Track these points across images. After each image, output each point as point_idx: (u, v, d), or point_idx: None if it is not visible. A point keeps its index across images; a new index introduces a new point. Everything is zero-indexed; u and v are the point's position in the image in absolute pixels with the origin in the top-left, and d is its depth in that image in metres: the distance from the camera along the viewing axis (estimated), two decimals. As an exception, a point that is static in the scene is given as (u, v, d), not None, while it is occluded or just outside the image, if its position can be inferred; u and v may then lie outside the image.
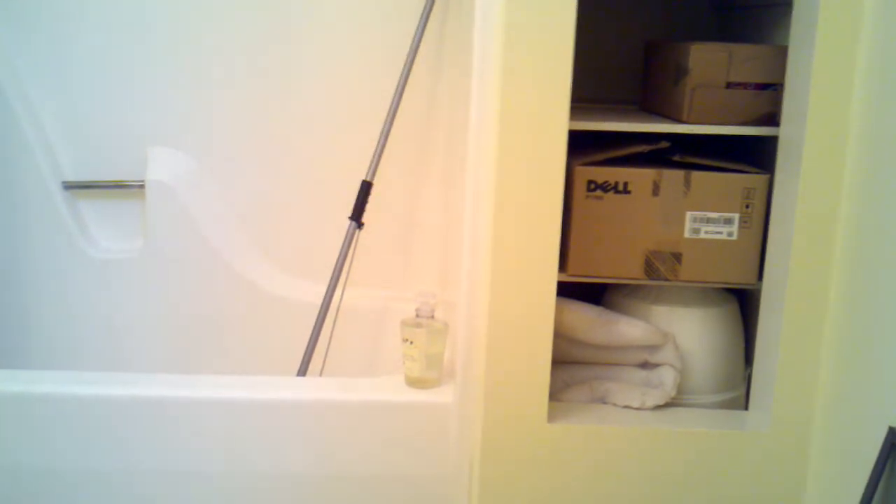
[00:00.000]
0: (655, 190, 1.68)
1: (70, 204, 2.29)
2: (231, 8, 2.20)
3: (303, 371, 2.07)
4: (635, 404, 1.68)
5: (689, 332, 1.73)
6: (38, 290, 2.29)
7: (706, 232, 1.69)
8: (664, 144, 1.72)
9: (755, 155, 1.81)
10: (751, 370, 1.73)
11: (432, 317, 1.77)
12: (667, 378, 1.68)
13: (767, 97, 1.68)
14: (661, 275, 1.70)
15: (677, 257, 1.70)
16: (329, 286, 2.09)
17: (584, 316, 1.70)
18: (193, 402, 1.70)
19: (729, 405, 1.75)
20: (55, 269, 2.28)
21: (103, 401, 1.69)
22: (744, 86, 1.68)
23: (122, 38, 2.22)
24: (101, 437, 1.69)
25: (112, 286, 2.29)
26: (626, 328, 1.69)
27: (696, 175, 1.68)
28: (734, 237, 1.69)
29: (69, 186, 2.28)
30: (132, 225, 2.32)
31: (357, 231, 2.10)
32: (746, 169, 1.69)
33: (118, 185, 2.29)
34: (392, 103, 2.12)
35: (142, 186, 2.26)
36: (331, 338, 2.10)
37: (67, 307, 2.30)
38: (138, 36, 2.21)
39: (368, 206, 2.12)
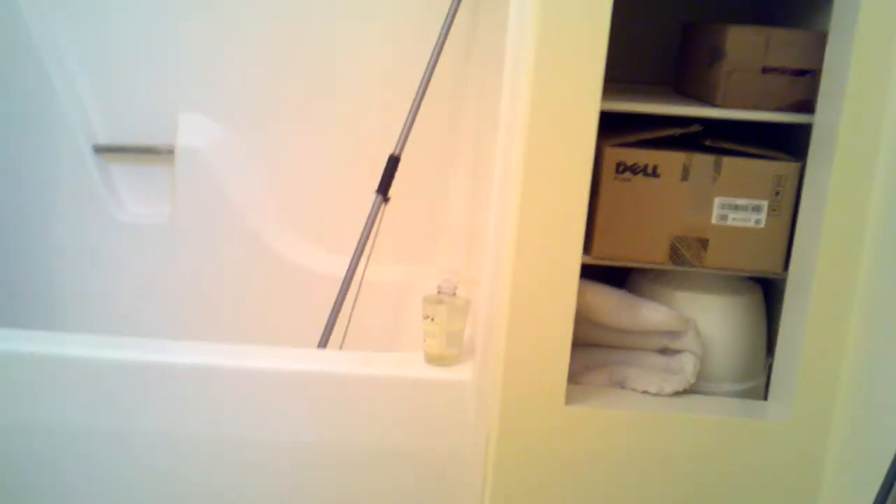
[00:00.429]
0: (685, 174, 1.66)
1: (100, 167, 2.30)
2: (266, -24, 2.20)
3: (323, 343, 2.08)
4: (653, 390, 1.67)
5: (712, 319, 1.72)
6: (66, 251, 2.31)
7: (734, 219, 1.66)
8: (696, 128, 1.69)
9: (788, 142, 1.78)
10: (772, 360, 1.71)
11: (454, 294, 1.76)
12: (687, 365, 1.67)
13: (804, 84, 1.64)
14: (686, 261, 1.69)
15: (703, 243, 1.68)
16: (352, 259, 2.09)
17: (607, 299, 1.69)
18: (212, 370, 1.71)
19: (748, 395, 1.73)
20: (83, 232, 2.30)
21: (124, 365, 1.70)
22: (780, 71, 1.65)
23: (157, 3, 2.22)
24: (121, 401, 1.71)
25: (139, 250, 2.31)
26: (649, 313, 1.67)
27: (727, 160, 1.65)
28: (762, 225, 1.66)
29: (100, 150, 2.29)
30: (161, 190, 2.34)
31: (383, 205, 2.10)
32: (778, 156, 1.66)
33: (148, 151, 2.31)
34: (423, 78, 2.10)
35: (171, 152, 2.28)
36: (352, 311, 2.10)
37: (94, 269, 2.32)
38: (174, 2, 2.22)
39: (397, 181, 2.11)
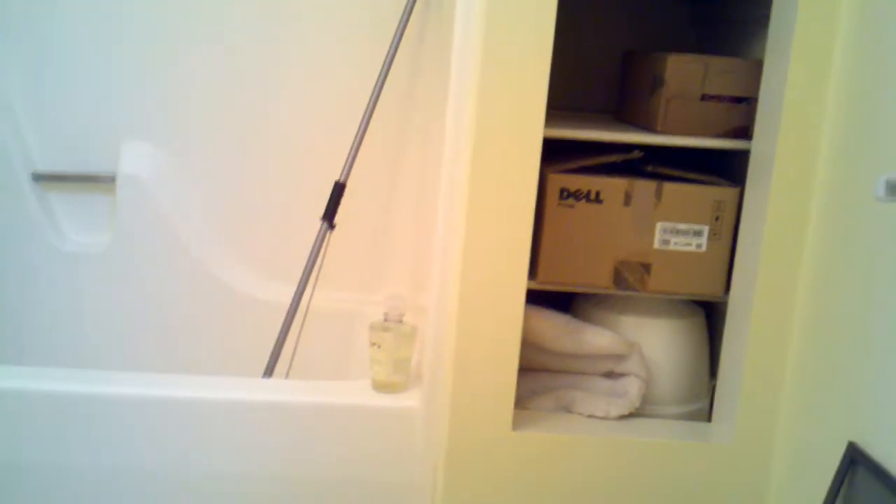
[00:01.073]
0: (627, 200, 1.68)
1: (39, 195, 2.26)
2: (210, 3, 2.19)
3: (269, 372, 2.05)
4: (600, 413, 1.68)
5: (656, 342, 1.74)
6: (5, 281, 2.26)
7: (676, 243, 1.69)
8: (637, 154, 1.72)
9: (727, 168, 1.82)
10: (715, 382, 1.73)
11: (401, 321, 1.76)
12: (632, 388, 1.68)
13: (741, 111, 1.68)
14: (629, 285, 1.71)
15: (646, 268, 1.70)
16: (298, 287, 2.08)
17: (552, 324, 1.70)
18: (156, 401, 1.68)
19: (693, 416, 1.76)
20: (22, 261, 2.25)
21: (66, 398, 1.67)
22: (718, 98, 1.69)
23: (97, 28, 2.20)
24: (65, 434, 1.67)
25: (80, 280, 2.27)
26: (593, 337, 1.69)
27: (668, 186, 1.68)
28: (703, 249, 1.69)
29: (39, 178, 2.25)
30: (102, 219, 2.30)
31: (329, 232, 2.09)
32: (717, 181, 1.70)
33: (89, 179, 2.27)
34: (368, 104, 2.11)
35: (113, 180, 2.24)
36: (298, 340, 2.08)
37: (34, 300, 2.27)
38: (114, 27, 2.20)
39: (342, 208, 2.10)
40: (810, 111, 1.52)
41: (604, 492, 1.65)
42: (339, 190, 2.10)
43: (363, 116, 2.11)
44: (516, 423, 1.63)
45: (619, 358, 1.71)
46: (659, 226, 1.68)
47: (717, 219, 1.68)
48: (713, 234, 1.69)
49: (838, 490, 1.35)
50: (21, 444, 1.67)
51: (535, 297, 1.72)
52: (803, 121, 1.52)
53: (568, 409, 1.71)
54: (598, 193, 1.68)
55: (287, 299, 2.10)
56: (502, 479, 1.64)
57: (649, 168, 1.71)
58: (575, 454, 1.63)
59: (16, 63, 2.21)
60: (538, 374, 1.75)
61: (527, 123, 1.53)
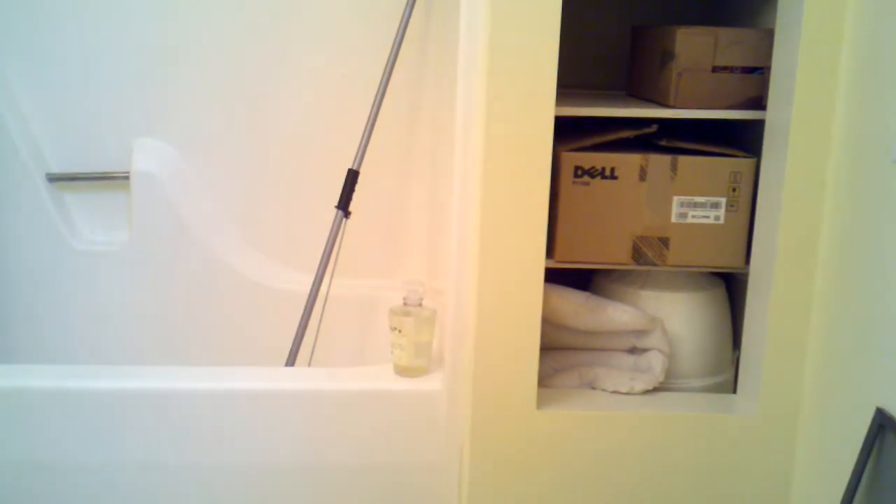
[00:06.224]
0: (642, 175, 1.68)
1: (54, 196, 2.27)
2: (216, -2, 2.19)
3: (291, 361, 2.06)
4: (624, 389, 1.68)
5: (677, 316, 1.73)
6: (23, 282, 2.27)
7: (693, 216, 1.69)
8: (652, 129, 1.71)
9: (742, 139, 1.81)
10: (738, 354, 1.73)
11: (420, 305, 1.76)
12: (655, 363, 1.68)
13: (754, 81, 1.67)
14: (648, 260, 1.70)
15: (665, 242, 1.70)
16: (316, 276, 2.09)
17: (572, 302, 1.70)
18: (180, 394, 1.69)
19: (717, 389, 1.75)
20: (40, 262, 2.26)
21: (91, 394, 1.68)
22: (730, 69, 1.68)
23: (107, 28, 2.20)
24: (89, 430, 1.68)
25: (97, 278, 2.28)
26: (615, 313, 1.69)
27: (683, 160, 1.67)
28: (721, 221, 1.69)
29: (53, 179, 2.26)
30: (118, 217, 2.31)
31: (344, 220, 2.09)
32: (733, 153, 1.69)
33: (103, 177, 2.28)
34: (378, 90, 2.11)
35: (127, 178, 2.25)
36: (319, 328, 2.09)
37: (52, 300, 2.28)
38: (124, 26, 2.20)
39: (355, 195, 2.11)
40: (824, 78, 1.51)
41: (630, 466, 1.65)
42: (352, 177, 2.10)
43: (374, 102, 2.11)
44: (540, 402, 1.63)
45: (641, 333, 1.70)
46: (676, 199, 1.68)
47: (733, 190, 1.68)
48: (731, 206, 1.68)
49: (867, 457, 1.34)
50: (44, 442, 1.68)
51: (554, 276, 1.72)
52: (817, 88, 1.51)
53: (591, 386, 1.71)
54: (612, 170, 1.68)
55: (305, 288, 2.11)
56: (528, 457, 1.64)
57: (663, 142, 1.71)
58: (600, 430, 1.63)
59: (26, 65, 2.21)
60: (560, 352, 1.75)
61: (538, 103, 1.53)
